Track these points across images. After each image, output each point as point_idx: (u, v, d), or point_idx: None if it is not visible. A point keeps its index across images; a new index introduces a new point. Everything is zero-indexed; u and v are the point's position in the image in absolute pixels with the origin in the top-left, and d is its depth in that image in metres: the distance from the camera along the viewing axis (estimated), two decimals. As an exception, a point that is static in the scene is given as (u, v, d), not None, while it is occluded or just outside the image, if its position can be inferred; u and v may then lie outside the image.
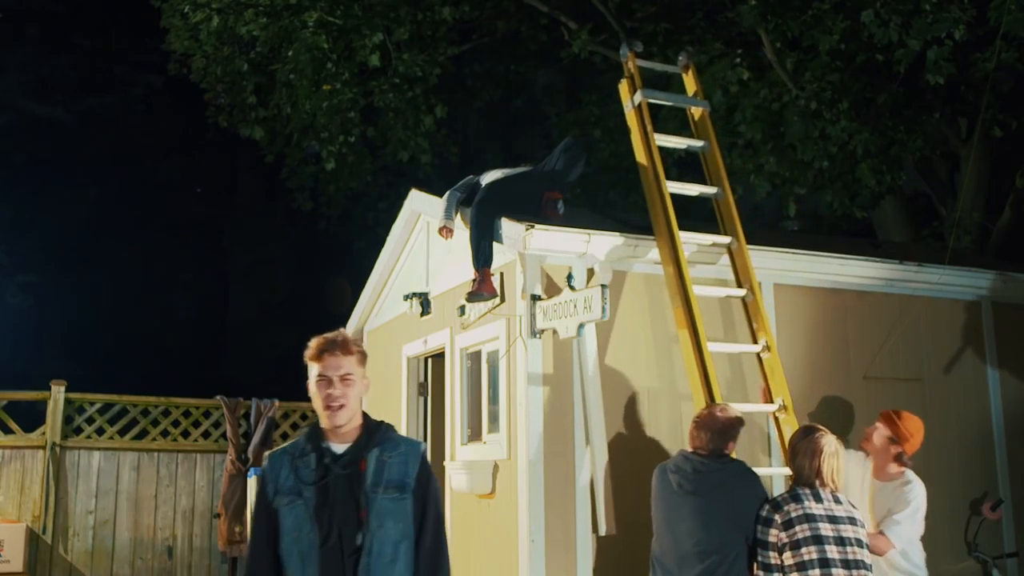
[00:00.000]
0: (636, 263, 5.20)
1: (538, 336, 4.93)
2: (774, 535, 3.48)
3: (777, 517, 3.48)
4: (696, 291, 4.87)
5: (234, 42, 11.08)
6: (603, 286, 4.55)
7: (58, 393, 8.59)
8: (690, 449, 3.90)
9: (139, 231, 19.26)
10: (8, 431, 8.46)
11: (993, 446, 6.07)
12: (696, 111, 5.87)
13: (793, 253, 5.56)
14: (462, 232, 5.54)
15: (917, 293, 5.97)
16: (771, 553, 3.48)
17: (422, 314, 6.32)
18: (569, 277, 4.94)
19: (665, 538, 3.80)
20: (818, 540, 3.38)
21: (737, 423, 3.91)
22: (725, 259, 5.31)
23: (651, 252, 5.14)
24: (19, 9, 19.45)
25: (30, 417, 8.68)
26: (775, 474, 5.00)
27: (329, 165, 11.04)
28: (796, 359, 5.50)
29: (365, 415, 2.83)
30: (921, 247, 9.49)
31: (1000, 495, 5.88)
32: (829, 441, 3.62)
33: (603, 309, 4.50)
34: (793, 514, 3.45)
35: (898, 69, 8.04)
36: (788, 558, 3.41)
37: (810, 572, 3.35)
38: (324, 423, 2.77)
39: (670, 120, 8.97)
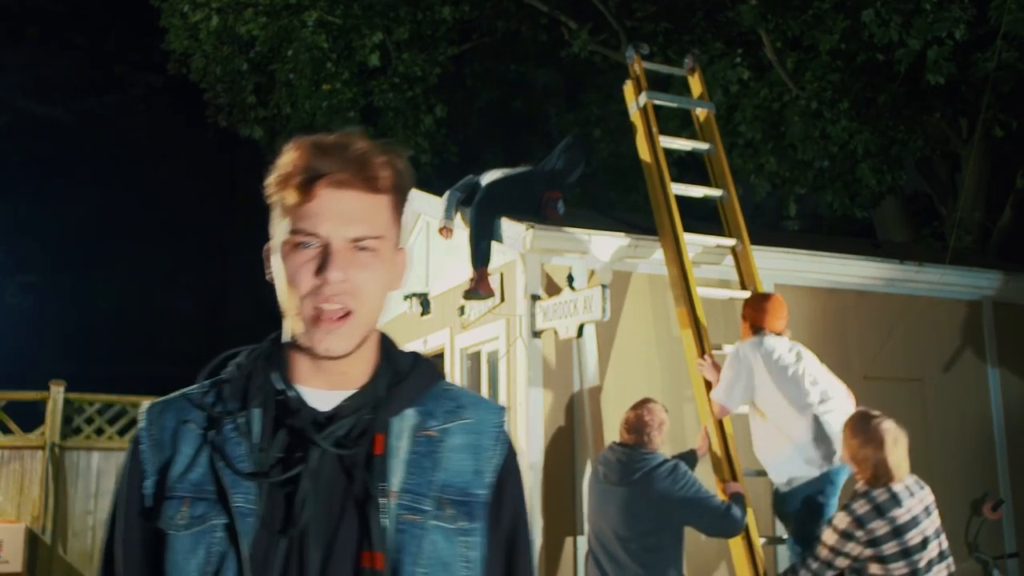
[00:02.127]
0: (640, 263, 5.19)
1: (538, 336, 4.92)
2: (857, 549, 3.31)
3: (860, 534, 3.28)
4: (700, 292, 4.87)
5: (234, 42, 11.08)
6: (604, 286, 4.55)
7: (57, 393, 8.58)
8: (618, 441, 4.06)
9: (139, 231, 19.25)
10: (7, 431, 8.46)
11: (994, 446, 6.06)
12: (701, 113, 5.86)
13: (793, 253, 5.56)
14: (462, 232, 5.53)
15: (918, 293, 5.96)
16: (840, 559, 3.33)
17: (422, 314, 6.32)
18: (569, 277, 4.93)
19: (592, 519, 4.02)
20: (906, 553, 3.29)
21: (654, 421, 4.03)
22: (728, 259, 5.30)
23: (653, 252, 5.14)
24: (19, 9, 19.45)
25: (29, 417, 8.67)
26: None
27: (329, 165, 11.03)
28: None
29: (384, 338, 1.33)
30: (921, 247, 9.48)
31: (1001, 495, 5.87)
32: (889, 428, 3.45)
33: (603, 309, 4.50)
34: (879, 532, 3.28)
35: (899, 69, 8.04)
36: (876, 568, 3.31)
37: (937, 568, 3.31)
38: (301, 340, 1.21)
39: (670, 120, 8.97)
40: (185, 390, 1.31)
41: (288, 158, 1.25)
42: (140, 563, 1.23)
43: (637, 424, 3.99)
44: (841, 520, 3.33)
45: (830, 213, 10.05)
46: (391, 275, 1.28)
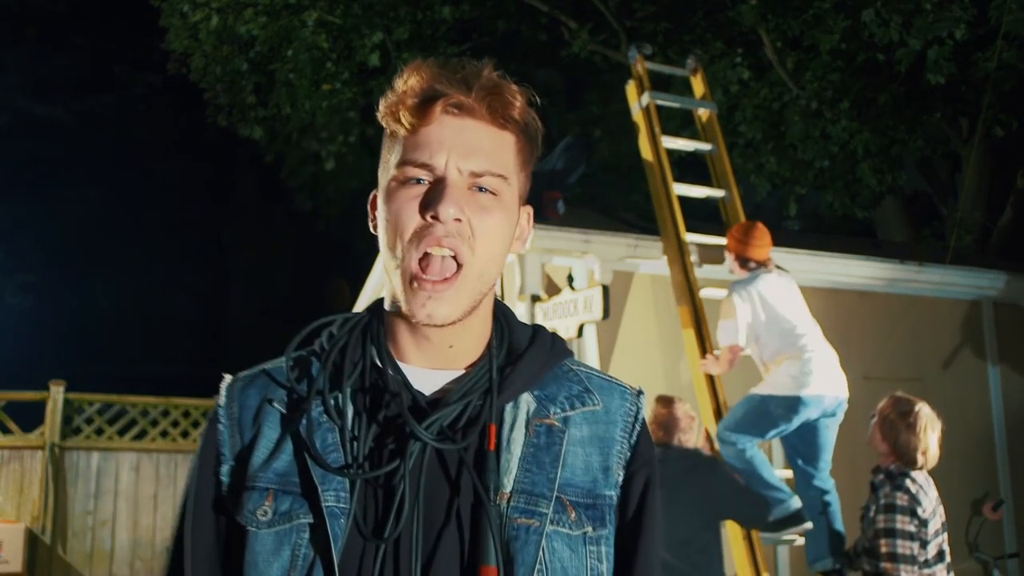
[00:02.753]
0: (641, 264, 5.19)
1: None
2: (920, 530, 3.28)
3: (919, 511, 3.27)
4: (702, 292, 4.87)
5: (233, 41, 11.07)
6: (604, 286, 4.55)
7: (57, 393, 8.58)
8: (678, 444, 3.88)
9: (139, 231, 19.26)
10: (7, 431, 8.45)
11: (994, 446, 6.06)
12: (703, 113, 5.86)
13: (794, 253, 5.55)
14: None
15: (918, 293, 5.96)
16: (918, 547, 3.29)
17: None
18: (569, 277, 4.93)
19: None
20: (925, 542, 3.31)
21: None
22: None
23: (654, 252, 5.13)
24: (19, 9, 19.45)
25: (29, 417, 8.67)
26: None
27: (329, 165, 11.04)
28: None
29: (500, 307, 1.17)
30: (922, 247, 9.48)
31: (1001, 495, 5.87)
32: (929, 413, 3.46)
33: (604, 309, 4.49)
34: (927, 512, 3.29)
35: (899, 69, 8.03)
36: (919, 551, 3.30)
37: (936, 567, 3.30)
38: (403, 306, 1.05)
39: (671, 120, 8.96)
40: (267, 364, 1.13)
41: (404, 79, 1.05)
42: (212, 562, 1.06)
43: (669, 421, 3.85)
44: (902, 499, 3.25)
45: (830, 213, 10.05)
46: (514, 230, 1.09)
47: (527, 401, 1.08)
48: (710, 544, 3.70)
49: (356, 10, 10.12)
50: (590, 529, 1.04)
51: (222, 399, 1.11)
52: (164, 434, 9.04)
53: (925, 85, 8.11)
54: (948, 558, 3.42)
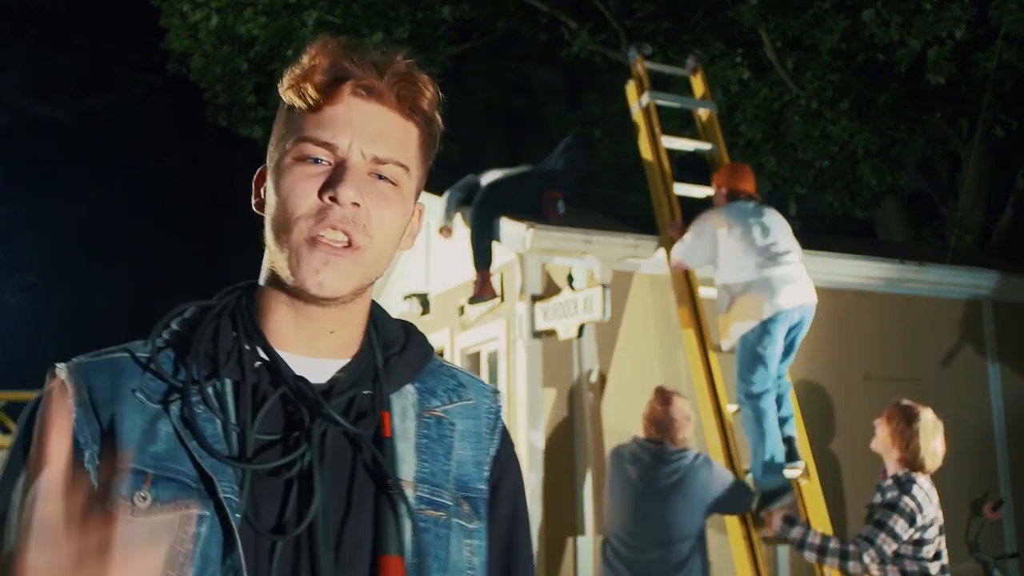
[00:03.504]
0: (641, 264, 5.19)
1: (538, 336, 4.91)
2: (911, 535, 3.44)
3: (919, 519, 3.43)
4: (702, 292, 4.87)
5: (233, 41, 11.08)
6: (604, 286, 4.55)
7: (57, 393, 8.57)
8: (644, 437, 3.89)
9: (139, 231, 19.25)
10: (6, 431, 8.45)
11: (994, 446, 6.06)
12: (703, 113, 5.87)
13: (794, 253, 5.54)
14: (462, 232, 5.53)
15: (918, 293, 5.96)
16: (899, 547, 3.44)
17: (422, 314, 6.31)
18: (569, 277, 4.93)
19: (624, 522, 3.80)
20: (923, 542, 3.46)
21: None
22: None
23: (654, 252, 5.13)
24: (19, 9, 19.45)
25: (29, 417, 8.67)
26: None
27: (329, 165, 11.05)
28: (797, 359, 5.47)
29: (374, 304, 1.12)
30: (922, 247, 9.48)
31: (1001, 495, 5.87)
32: (932, 418, 3.64)
33: (604, 309, 4.49)
34: (929, 517, 3.46)
35: (899, 69, 8.04)
36: (909, 549, 3.45)
37: (931, 565, 3.43)
38: (286, 276, 0.98)
39: (671, 120, 8.96)
40: (113, 352, 1.01)
41: (312, 54, 1.00)
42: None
43: (665, 420, 3.83)
44: (907, 504, 3.42)
45: (830, 213, 10.06)
46: (407, 225, 1.05)
47: (411, 393, 1.06)
48: (703, 545, 3.74)
49: (356, 10, 10.12)
50: (476, 523, 1.03)
51: (69, 386, 0.97)
52: (164, 434, 9.02)
53: (925, 85, 8.11)
54: (945, 559, 3.50)
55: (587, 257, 5.01)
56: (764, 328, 4.33)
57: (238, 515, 0.91)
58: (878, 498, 3.55)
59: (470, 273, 5.26)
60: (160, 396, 0.97)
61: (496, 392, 1.15)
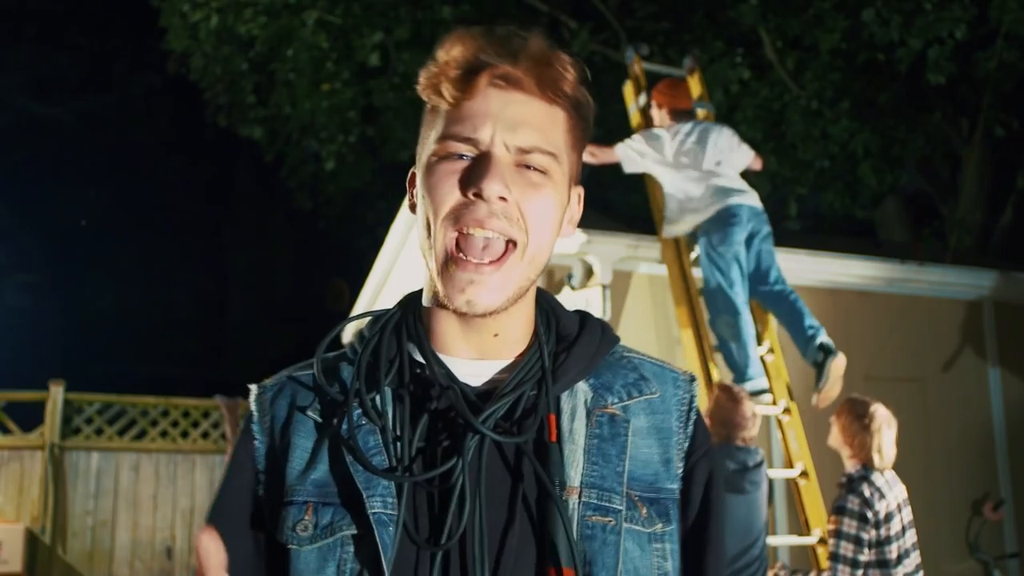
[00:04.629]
0: (641, 264, 5.19)
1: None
2: (871, 533, 3.35)
3: (869, 515, 3.34)
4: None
5: (233, 41, 11.08)
6: (603, 286, 4.54)
7: (56, 393, 8.58)
8: (741, 443, 3.66)
9: (139, 231, 19.26)
10: (7, 431, 8.45)
11: (994, 446, 6.05)
12: (701, 113, 5.86)
13: (794, 253, 5.54)
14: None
15: (918, 293, 5.95)
16: (865, 550, 3.35)
17: (422, 314, 6.31)
18: (569, 277, 4.93)
19: None
20: (889, 540, 3.36)
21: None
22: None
23: (654, 252, 5.13)
24: (19, 9, 19.45)
25: (29, 417, 8.67)
26: (777, 478, 4.99)
27: (329, 165, 11.04)
28: (797, 360, 5.47)
29: (543, 292, 1.08)
30: (922, 247, 9.47)
31: (1001, 495, 5.86)
32: (884, 413, 3.54)
33: (603, 309, 4.49)
34: (882, 514, 3.36)
35: (899, 68, 8.04)
36: (872, 555, 3.36)
37: (894, 571, 3.34)
38: (439, 292, 0.97)
39: (670, 120, 8.96)
40: (293, 370, 1.04)
41: (446, 49, 0.99)
42: None
43: (737, 418, 3.66)
44: (852, 503, 3.34)
45: (831, 213, 10.05)
46: (564, 213, 1.00)
47: (583, 390, 1.00)
48: (764, 541, 3.64)
49: (356, 10, 10.12)
50: (660, 526, 0.97)
51: (254, 412, 1.02)
52: (164, 434, 9.03)
53: (925, 85, 8.11)
54: (917, 558, 3.43)
55: (587, 257, 5.01)
56: (722, 218, 4.58)
57: (391, 528, 0.90)
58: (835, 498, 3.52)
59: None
60: (328, 411, 0.99)
61: (692, 380, 1.07)
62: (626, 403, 1.01)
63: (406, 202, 1.04)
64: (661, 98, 5.08)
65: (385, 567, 0.89)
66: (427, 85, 0.99)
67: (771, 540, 4.61)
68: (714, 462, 1.06)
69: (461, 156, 0.94)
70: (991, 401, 6.12)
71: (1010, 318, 6.30)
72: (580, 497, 0.93)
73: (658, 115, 5.07)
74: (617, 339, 1.07)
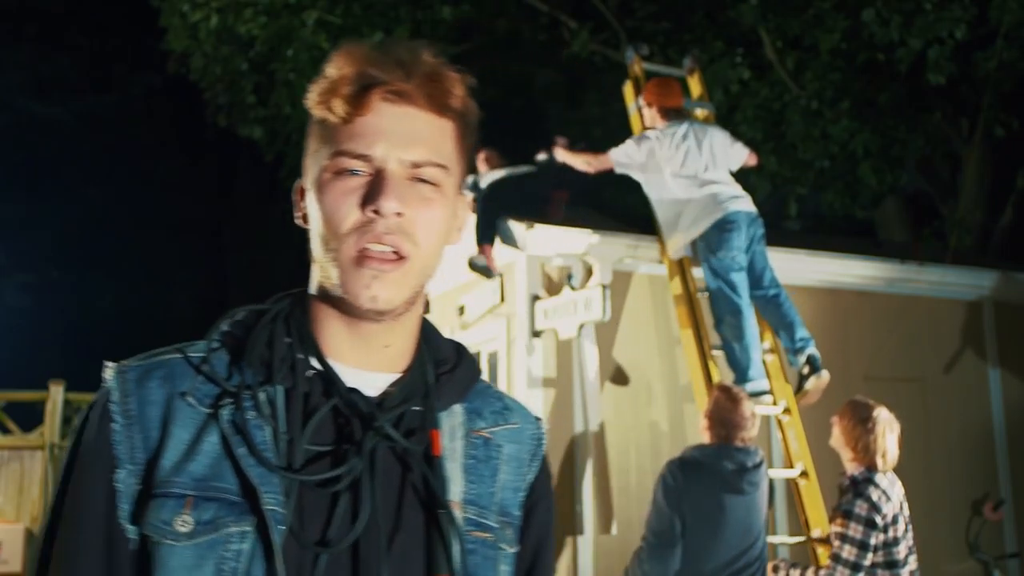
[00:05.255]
0: (640, 264, 5.19)
1: (538, 336, 4.91)
2: (879, 537, 3.31)
3: (878, 520, 3.30)
4: (700, 293, 4.87)
5: (233, 41, 11.07)
6: (604, 286, 4.55)
7: (56, 393, 8.58)
8: (740, 443, 3.62)
9: (139, 231, 19.25)
10: (7, 431, 8.45)
11: (994, 446, 6.05)
12: (700, 113, 5.86)
13: (794, 253, 5.55)
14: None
15: (918, 293, 5.95)
16: (869, 555, 3.31)
17: (422, 314, 6.31)
18: (569, 277, 4.93)
19: (704, 543, 3.47)
20: (896, 541, 3.34)
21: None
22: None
23: (654, 252, 5.13)
24: (18, 8, 19.44)
25: (29, 417, 8.68)
26: (777, 478, 4.99)
27: (329, 164, 11.04)
28: (797, 359, 5.49)
29: (424, 319, 1.12)
30: (922, 247, 9.47)
31: (1001, 495, 5.86)
32: (886, 416, 3.51)
33: (603, 309, 4.50)
34: (889, 517, 3.33)
35: (899, 68, 8.04)
36: (880, 556, 3.33)
37: (902, 571, 3.33)
38: (337, 291, 0.98)
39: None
40: (166, 353, 1.00)
41: (336, 65, 1.00)
42: None
43: (737, 418, 3.62)
44: (861, 508, 3.30)
45: (831, 213, 10.05)
46: (453, 222, 1.03)
47: (458, 412, 1.05)
48: (764, 542, 3.63)
49: (356, 10, 10.12)
50: (515, 547, 1.03)
51: (113, 391, 0.96)
52: (164, 434, 9.02)
53: (925, 85, 8.11)
54: (914, 563, 3.41)
55: (587, 257, 5.01)
56: (721, 226, 4.62)
57: (281, 527, 0.89)
58: (839, 499, 3.48)
59: (469, 274, 5.25)
60: (211, 400, 0.96)
61: (539, 420, 1.15)
62: (494, 429, 1.07)
63: (296, 215, 1.05)
64: (650, 97, 5.11)
65: (278, 567, 0.88)
66: (319, 101, 1.00)
67: (771, 539, 4.62)
68: (552, 499, 1.12)
69: (355, 172, 0.96)
70: (991, 401, 6.12)
71: (1010, 318, 6.30)
72: (463, 512, 0.97)
73: (648, 114, 5.09)
74: (481, 370, 1.13)
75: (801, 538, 4.60)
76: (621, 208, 11.33)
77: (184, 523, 0.89)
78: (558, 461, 4.82)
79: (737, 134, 9.45)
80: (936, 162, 10.87)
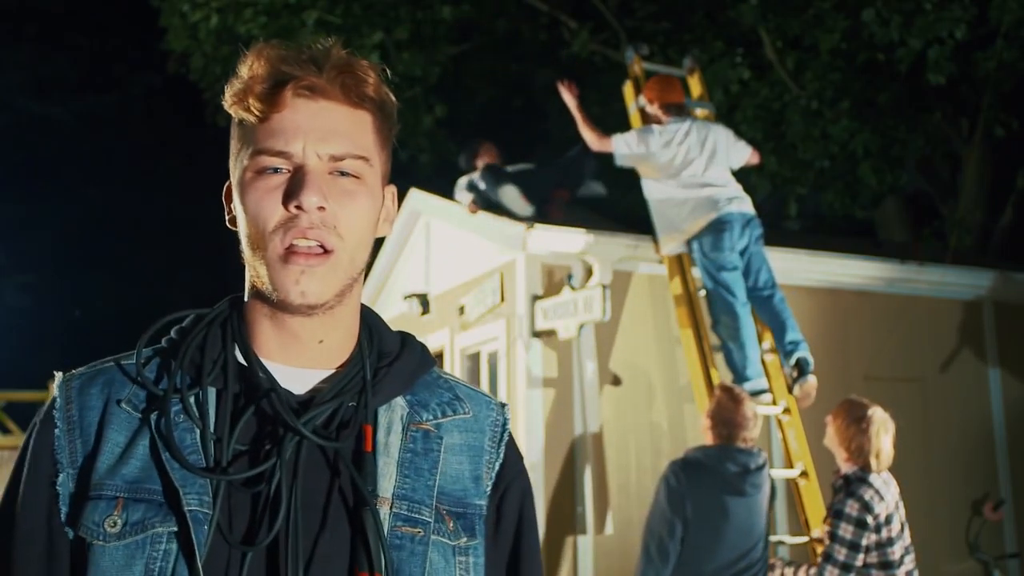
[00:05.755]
0: (640, 264, 5.19)
1: (538, 336, 4.91)
2: (871, 538, 3.29)
3: (869, 520, 3.27)
4: (700, 293, 4.88)
5: (233, 41, 11.07)
6: (603, 286, 4.55)
7: (57, 393, 8.57)
8: (742, 443, 3.60)
9: (139, 230, 19.25)
10: (7, 431, 8.45)
11: (994, 446, 6.05)
12: (700, 113, 5.86)
13: (794, 253, 5.55)
14: (461, 233, 5.53)
15: (918, 293, 5.96)
16: (860, 555, 3.29)
17: (422, 314, 6.31)
18: (569, 277, 4.93)
19: (706, 544, 3.46)
20: (891, 542, 3.32)
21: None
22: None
23: (653, 252, 5.13)
24: (18, 8, 19.44)
25: (28, 417, 8.65)
26: (777, 478, 4.99)
27: (328, 165, 11.05)
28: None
29: (367, 310, 1.11)
30: (922, 247, 9.47)
31: (1001, 495, 5.86)
32: (881, 416, 3.47)
33: (603, 309, 4.50)
34: (882, 517, 3.30)
35: (899, 68, 8.04)
36: (874, 557, 3.31)
37: (897, 571, 3.31)
38: (267, 289, 0.99)
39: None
40: (108, 361, 1.03)
41: (249, 65, 0.99)
42: None
43: (739, 419, 3.59)
44: (852, 508, 3.28)
45: (831, 213, 10.05)
46: (379, 213, 1.04)
47: (400, 406, 1.04)
48: (766, 544, 3.61)
49: (356, 10, 10.12)
50: (464, 539, 1.01)
51: (57, 400, 1.00)
52: (164, 434, 9.02)
53: (925, 85, 8.11)
54: (911, 562, 3.39)
55: (587, 257, 5.01)
56: (716, 226, 4.64)
57: (205, 527, 0.91)
58: (832, 498, 3.47)
59: (469, 274, 5.26)
60: (144, 406, 0.98)
61: (503, 406, 1.13)
62: (440, 421, 1.05)
63: (225, 217, 1.06)
64: (651, 94, 5.15)
65: (199, 566, 0.89)
66: (234, 101, 1.00)
67: (771, 539, 4.62)
68: (527, 482, 1.12)
69: (276, 170, 0.97)
70: (991, 401, 6.12)
71: (1010, 318, 6.30)
72: (391, 508, 0.97)
73: (650, 110, 5.12)
74: (434, 362, 1.12)
75: (802, 539, 4.60)
76: (621, 208, 11.33)
77: (113, 524, 0.92)
78: (558, 461, 4.82)
79: (737, 134, 9.47)
80: (936, 162, 10.87)
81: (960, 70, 8.01)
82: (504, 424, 1.11)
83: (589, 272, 5.03)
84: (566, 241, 4.95)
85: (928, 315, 5.99)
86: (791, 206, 9.69)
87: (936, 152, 9.93)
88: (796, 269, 5.57)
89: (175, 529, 0.92)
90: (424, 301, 6.31)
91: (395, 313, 7.02)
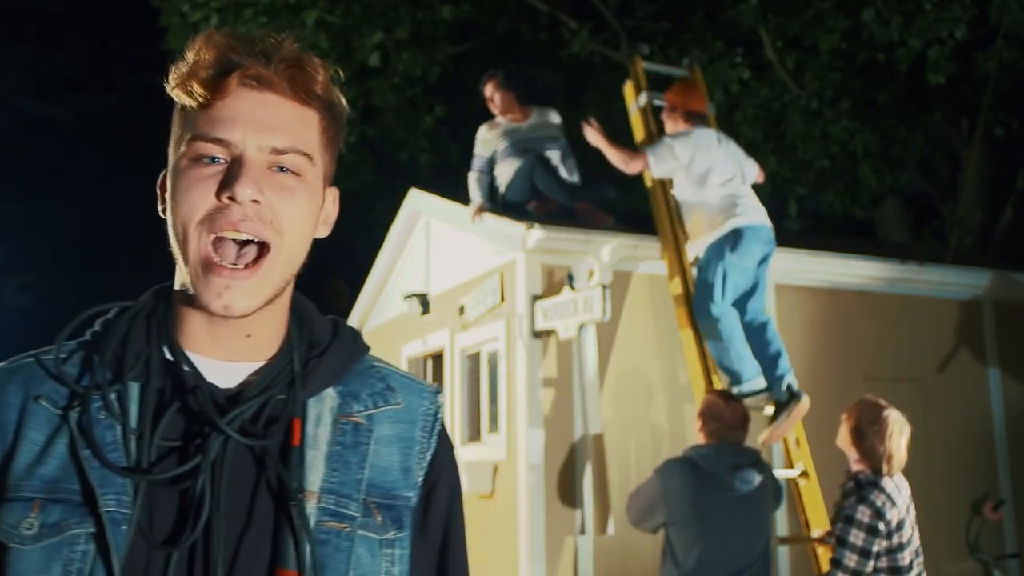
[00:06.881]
0: (640, 264, 5.19)
1: (538, 336, 4.91)
2: (882, 544, 3.24)
3: (881, 526, 3.22)
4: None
5: (233, 41, 11.07)
6: (604, 286, 4.55)
7: (57, 393, 8.57)
8: (711, 441, 3.64)
9: (138, 231, 19.26)
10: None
11: (994, 446, 6.05)
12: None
13: (794, 253, 5.55)
14: (461, 233, 5.53)
15: (918, 293, 5.96)
16: (871, 562, 3.24)
17: (422, 314, 6.31)
18: (569, 277, 4.93)
19: (709, 547, 3.44)
20: (902, 547, 3.27)
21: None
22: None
23: (654, 252, 5.13)
24: (18, 8, 19.44)
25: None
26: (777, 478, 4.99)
27: (328, 164, 11.06)
28: (796, 359, 5.47)
29: (298, 298, 1.09)
30: (922, 247, 9.47)
31: (1001, 495, 5.86)
32: (897, 418, 3.43)
33: (604, 309, 4.50)
34: (894, 522, 3.25)
35: (899, 68, 8.04)
36: (884, 563, 3.26)
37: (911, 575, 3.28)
38: (198, 299, 0.96)
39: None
40: (27, 356, 0.99)
41: (196, 49, 0.95)
42: None
43: (734, 419, 3.63)
44: (864, 514, 3.23)
45: (831, 213, 10.06)
46: (319, 214, 1.01)
47: (331, 397, 1.01)
48: (768, 542, 3.61)
49: (356, 10, 10.12)
50: (392, 532, 0.99)
51: None
52: (164, 434, 9.01)
53: (925, 85, 8.11)
54: (919, 566, 3.37)
55: (587, 257, 5.01)
56: (737, 237, 4.55)
57: (124, 528, 0.88)
58: (841, 503, 3.41)
59: (469, 274, 5.26)
60: (64, 403, 0.94)
61: (436, 393, 1.10)
62: (371, 412, 1.03)
63: (159, 207, 1.01)
64: (675, 99, 5.03)
65: (116, 567, 0.86)
66: (177, 85, 0.96)
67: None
68: (457, 474, 1.09)
69: (214, 159, 0.93)
70: (991, 401, 6.12)
71: (1010, 318, 6.30)
72: (318, 502, 0.94)
73: (672, 117, 4.99)
74: (367, 348, 1.09)
75: (803, 540, 4.60)
76: (621, 208, 11.32)
77: (30, 526, 0.89)
78: (558, 461, 4.82)
79: (737, 134, 9.47)
80: (936, 162, 10.87)
81: (960, 70, 8.01)
82: (436, 412, 1.08)
83: (589, 272, 5.03)
84: (566, 241, 4.95)
85: (928, 315, 5.99)
86: (791, 206, 9.69)
87: (936, 152, 9.94)
88: (796, 269, 5.57)
89: (93, 530, 0.89)
90: (424, 301, 6.31)
91: (395, 313, 7.03)
